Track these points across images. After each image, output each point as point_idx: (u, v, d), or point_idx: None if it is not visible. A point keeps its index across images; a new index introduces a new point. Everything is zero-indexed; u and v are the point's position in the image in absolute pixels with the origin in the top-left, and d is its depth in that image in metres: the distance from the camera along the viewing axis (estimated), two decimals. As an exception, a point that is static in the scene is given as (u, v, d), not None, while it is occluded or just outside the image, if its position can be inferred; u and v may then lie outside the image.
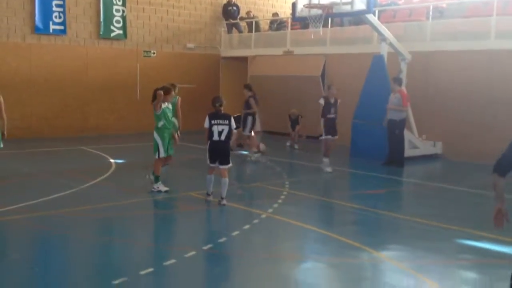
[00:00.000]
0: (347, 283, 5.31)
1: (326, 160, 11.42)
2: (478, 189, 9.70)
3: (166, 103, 9.06)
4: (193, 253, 5.96)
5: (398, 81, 12.58)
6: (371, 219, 7.76)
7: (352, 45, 15.92)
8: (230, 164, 8.13)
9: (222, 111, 8.07)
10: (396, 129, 12.27)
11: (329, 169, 11.26)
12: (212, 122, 8.00)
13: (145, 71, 18.12)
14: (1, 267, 5.56)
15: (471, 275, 5.64)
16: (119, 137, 16.51)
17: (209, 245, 6.23)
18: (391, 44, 13.09)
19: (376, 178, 10.85)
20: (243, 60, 19.52)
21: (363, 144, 13.19)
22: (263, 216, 7.62)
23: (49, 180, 9.93)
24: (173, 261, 5.69)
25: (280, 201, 8.54)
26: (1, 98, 9.82)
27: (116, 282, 5.07)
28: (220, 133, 7.96)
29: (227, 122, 7.98)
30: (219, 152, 8.03)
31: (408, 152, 13.08)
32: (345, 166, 12.45)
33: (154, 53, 18.47)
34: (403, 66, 13.55)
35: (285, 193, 9.15)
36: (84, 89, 16.96)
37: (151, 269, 5.45)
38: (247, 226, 7.06)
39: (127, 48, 17.89)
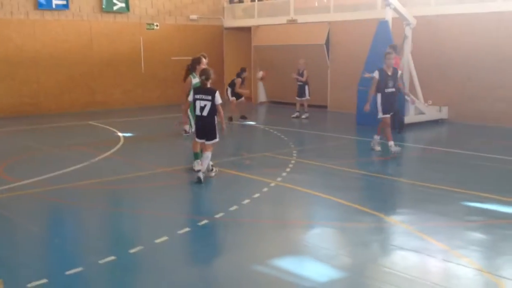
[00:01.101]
0: (356, 246, 5.44)
1: (377, 137, 10.19)
2: (483, 152, 9.79)
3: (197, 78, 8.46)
4: (205, 221, 6.11)
5: (394, 48, 12.57)
6: (379, 185, 7.88)
7: (356, 11, 15.81)
8: (216, 139, 7.83)
9: (209, 85, 7.66)
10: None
11: (395, 148, 9.78)
12: (196, 96, 7.67)
13: (148, 44, 18.11)
14: (22, 239, 5.73)
15: (478, 235, 5.77)
16: (126, 111, 16.63)
17: (221, 214, 6.37)
18: (395, 9, 13.00)
19: (382, 145, 10.90)
20: (247, 30, 19.43)
21: (370, 111, 13.17)
22: (272, 184, 7.75)
23: (60, 155, 10.08)
24: (187, 229, 5.85)
25: (288, 169, 8.66)
26: None
27: (133, 250, 5.23)
28: (202, 108, 7.61)
29: (209, 97, 7.57)
30: (203, 128, 7.75)
31: (414, 117, 13.14)
32: (351, 134, 12.53)
33: (157, 25, 18.41)
34: (408, 31, 13.48)
35: (293, 161, 9.26)
36: (89, 64, 17.00)
37: (166, 238, 5.60)
38: (257, 195, 7.19)
39: (130, 22, 17.83)
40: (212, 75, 7.74)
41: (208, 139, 7.79)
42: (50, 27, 16.13)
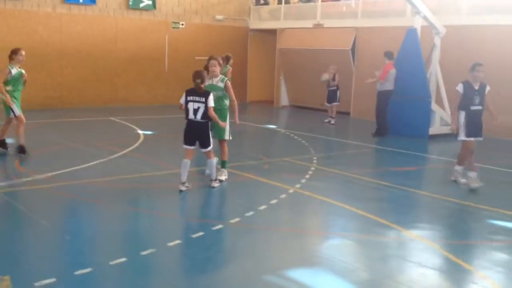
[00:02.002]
0: (374, 260, 5.24)
1: (459, 168, 8.43)
2: (510, 168, 9.47)
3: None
4: (220, 226, 5.97)
5: (388, 55, 12.99)
6: (400, 197, 7.64)
7: (384, 18, 15.55)
8: (211, 146, 7.37)
9: (203, 88, 7.22)
10: (381, 99, 12.91)
11: (475, 184, 7.96)
12: (188, 98, 7.18)
13: (173, 43, 18.08)
14: (33, 235, 5.65)
15: (504, 256, 5.50)
16: (147, 109, 16.61)
17: (237, 219, 6.22)
18: (425, 18, 12.73)
19: (406, 155, 10.67)
20: (272, 32, 19.29)
21: (394, 120, 12.98)
22: (291, 191, 7.57)
23: (78, 150, 10.05)
24: (201, 233, 5.70)
25: (308, 176, 8.48)
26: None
27: (145, 253, 5.11)
28: (195, 111, 7.13)
29: (203, 99, 7.09)
30: (196, 133, 7.26)
31: (439, 129, 12.86)
32: (373, 142, 12.29)
33: (183, 24, 18.38)
34: (437, 40, 13.21)
35: (313, 168, 9.07)
36: (113, 60, 17.02)
37: (179, 241, 5.47)
38: (274, 201, 7.02)
39: (156, 19, 17.84)
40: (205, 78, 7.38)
41: (202, 146, 7.34)
42: (76, 21, 16.20)
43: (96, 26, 16.56)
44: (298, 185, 7.86)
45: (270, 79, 19.85)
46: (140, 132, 12.21)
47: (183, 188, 7.29)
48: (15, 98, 9.25)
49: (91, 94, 16.71)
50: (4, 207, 6.58)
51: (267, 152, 10.95)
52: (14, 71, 9.19)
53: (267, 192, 7.58)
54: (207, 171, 7.89)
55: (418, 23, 12.83)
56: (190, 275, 4.88)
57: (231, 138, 8.06)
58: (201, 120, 7.16)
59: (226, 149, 7.99)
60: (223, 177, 7.92)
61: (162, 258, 5.14)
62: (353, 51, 16.36)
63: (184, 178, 7.31)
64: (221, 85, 7.71)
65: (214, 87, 7.63)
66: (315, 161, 9.65)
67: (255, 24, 20.03)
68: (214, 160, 7.50)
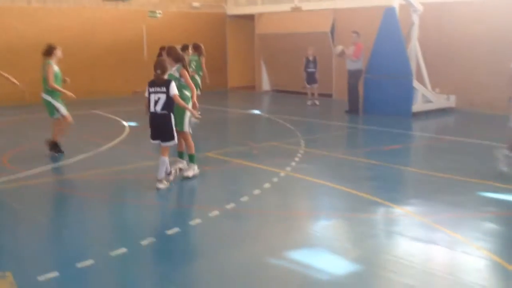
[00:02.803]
0: (371, 237, 5.34)
1: (508, 152, 7.64)
2: (495, 141, 9.65)
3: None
4: (216, 212, 6.00)
5: (358, 33, 13.43)
6: (390, 175, 7.76)
7: (362, -2, 15.60)
8: (174, 141, 6.86)
9: (165, 77, 6.75)
10: (352, 78, 13.29)
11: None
12: (150, 90, 6.74)
13: (151, 32, 17.91)
14: (31, 231, 5.62)
15: (496, 227, 5.65)
16: (127, 99, 16.45)
17: (232, 204, 6.26)
18: (402, -4, 12.82)
19: (391, 134, 10.80)
20: (250, 18, 19.22)
21: (376, 99, 13.10)
22: (282, 174, 7.63)
23: (64, 145, 9.93)
24: (198, 220, 5.74)
25: (297, 159, 8.54)
26: None
27: (145, 242, 5.13)
28: (156, 102, 6.66)
29: (164, 89, 6.63)
30: (157, 126, 6.76)
31: (421, 106, 13.02)
32: (358, 122, 12.42)
33: (160, 13, 18.19)
34: (415, 18, 13.31)
35: (301, 151, 9.14)
36: (91, 52, 16.81)
37: (177, 229, 5.50)
38: (267, 185, 7.07)
39: (132, 9, 17.63)
40: (168, 67, 6.91)
41: (163, 140, 6.80)
42: (51, 14, 15.94)
43: (72, 19, 16.31)
44: (288, 168, 7.92)
45: (250, 64, 19.83)
46: (125, 123, 12.13)
47: (160, 186, 6.85)
48: (57, 97, 8.75)
49: (69, 88, 16.32)
50: (-3, 205, 6.53)
51: (254, 137, 10.99)
52: (55, 67, 8.70)
53: (259, 176, 7.63)
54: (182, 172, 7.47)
55: (396, 2, 12.91)
56: (192, 261, 4.93)
57: (191, 132, 7.44)
58: (161, 112, 6.67)
59: (190, 141, 7.37)
60: (190, 173, 7.37)
61: (163, 246, 5.16)
62: (332, 33, 16.40)
63: (168, 169, 7.01)
64: (177, 74, 7.22)
65: (171, 77, 7.09)
66: (302, 144, 9.72)
67: (232, 10, 19.93)
68: (167, 158, 6.89)
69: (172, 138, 6.80)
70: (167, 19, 18.38)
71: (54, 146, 8.83)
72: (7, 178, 7.53)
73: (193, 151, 7.40)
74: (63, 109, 8.80)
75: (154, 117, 6.76)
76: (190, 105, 7.23)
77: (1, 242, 5.29)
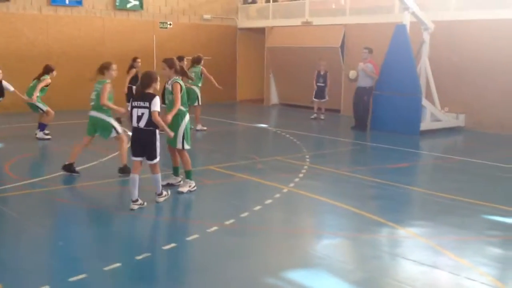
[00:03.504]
0: (372, 259, 5.19)
1: None
2: (504, 163, 9.49)
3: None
4: (215, 228, 5.88)
5: (371, 50, 13.34)
6: (395, 194, 7.61)
7: (373, 14, 15.54)
8: (157, 159, 6.49)
9: (147, 91, 6.36)
10: (365, 95, 13.19)
11: None
12: (133, 104, 6.34)
13: (161, 43, 17.93)
14: (26, 241, 5.53)
15: (501, 252, 5.49)
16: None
17: (231, 220, 6.14)
18: (413, 14, 12.73)
19: (398, 152, 10.65)
20: (261, 31, 19.21)
21: (385, 116, 12.98)
22: (285, 190, 7.51)
23: (68, 154, 9.89)
24: (196, 236, 5.62)
25: (301, 175, 8.42)
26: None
27: (140, 257, 5.02)
28: (139, 118, 6.26)
29: (147, 104, 6.23)
30: (140, 143, 6.38)
31: (430, 125, 12.88)
32: (365, 139, 12.28)
33: (170, 24, 18.24)
34: (426, 36, 13.22)
35: (306, 167, 9.02)
36: (101, 61, 16.67)
37: (174, 244, 5.39)
38: (269, 201, 6.95)
39: (143, 19, 17.69)
40: (156, 79, 6.45)
41: (148, 158, 6.44)
42: (62, 23, 16.02)
43: (83, 28, 16.38)
44: (292, 184, 7.80)
45: (260, 77, 19.78)
46: (130, 133, 12.04)
47: (134, 207, 6.40)
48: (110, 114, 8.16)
49: (79, 96, 16.47)
50: (-6, 214, 6.45)
51: (259, 151, 10.87)
52: (109, 86, 8.30)
53: (261, 192, 7.52)
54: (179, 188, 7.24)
55: (407, 19, 12.82)
56: (187, 278, 4.80)
57: (187, 147, 7.18)
58: (145, 128, 6.30)
59: (186, 157, 7.18)
60: (185, 189, 7.20)
61: (158, 262, 5.06)
62: (342, 48, 16.33)
63: (135, 195, 6.44)
64: (170, 88, 6.99)
65: (166, 91, 7.12)
66: (307, 160, 9.59)
67: (243, 23, 19.95)
68: (159, 175, 6.64)
69: (156, 156, 6.44)
70: (178, 30, 18.42)
71: (123, 169, 8.11)
72: (8, 186, 7.47)
73: (189, 167, 7.24)
74: (118, 126, 8.24)
75: (137, 133, 6.37)
76: (186, 119, 7.05)
77: (-5, 252, 5.21)
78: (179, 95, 6.91)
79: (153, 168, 6.56)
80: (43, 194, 7.27)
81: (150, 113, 6.25)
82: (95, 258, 5.06)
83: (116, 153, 9.76)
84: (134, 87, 12.75)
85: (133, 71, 13.24)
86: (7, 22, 15.11)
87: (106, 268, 4.73)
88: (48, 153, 10.26)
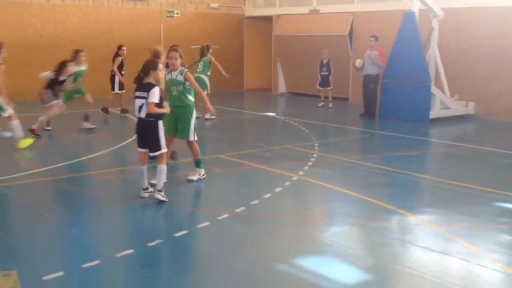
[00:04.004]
0: (382, 246, 5.20)
1: None
2: (513, 151, 9.45)
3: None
4: (226, 215, 5.91)
5: (377, 38, 13.36)
6: (405, 182, 7.60)
7: (381, 2, 15.43)
8: (162, 150, 6.27)
9: (146, 80, 6.16)
10: (371, 83, 13.19)
11: None
12: (135, 94, 6.21)
13: (168, 32, 17.90)
14: (38, 229, 5.58)
15: (511, 238, 5.48)
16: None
17: (242, 208, 6.17)
18: (422, 1, 12.62)
19: (407, 140, 10.62)
20: (268, 19, 19.13)
21: (393, 104, 12.93)
22: (294, 178, 7.52)
23: (78, 142, 9.97)
24: (206, 223, 5.65)
25: (310, 163, 8.43)
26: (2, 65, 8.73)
27: (151, 244, 5.06)
28: (140, 108, 6.13)
29: (145, 94, 6.06)
30: (142, 134, 6.25)
31: (439, 112, 12.82)
32: (374, 127, 12.25)
33: (177, 13, 18.20)
34: (435, 24, 13.11)
35: (315, 155, 9.02)
36: (109, 51, 16.78)
37: (185, 232, 5.43)
38: (279, 189, 6.97)
39: (150, 8, 17.66)
40: (156, 68, 6.15)
41: (151, 150, 6.24)
42: (70, 12, 16.03)
43: (90, 17, 16.38)
44: (301, 172, 7.81)
45: (267, 66, 19.74)
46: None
47: (145, 195, 6.40)
48: None
49: (87, 86, 16.49)
50: (7, 201, 6.51)
51: (268, 140, 10.87)
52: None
53: (270, 180, 7.54)
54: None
55: (415, 7, 12.72)
56: (198, 265, 4.84)
57: (196, 139, 7.11)
58: (146, 119, 6.15)
59: (195, 148, 7.09)
60: (195, 177, 7.19)
61: (170, 248, 5.10)
62: (350, 36, 16.24)
63: (144, 183, 6.42)
64: (181, 78, 6.81)
65: (174, 82, 6.86)
66: (316, 148, 9.60)
67: (250, 11, 19.87)
68: (164, 166, 6.38)
69: (160, 147, 6.23)
70: (185, 19, 18.38)
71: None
72: (20, 175, 7.53)
73: (199, 156, 7.21)
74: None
75: (139, 123, 6.24)
76: (194, 110, 7.05)
77: (10, 240, 5.26)
78: (195, 82, 6.94)
79: (160, 158, 6.32)
80: (54, 182, 7.32)
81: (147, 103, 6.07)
82: (107, 245, 5.10)
83: (126, 142, 9.82)
84: (116, 75, 13.09)
85: (119, 59, 13.24)
86: (14, 11, 15.13)
87: (119, 255, 4.77)
88: (57, 141, 10.31)
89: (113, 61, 13.36)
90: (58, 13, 15.81)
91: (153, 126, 6.16)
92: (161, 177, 6.33)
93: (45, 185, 7.24)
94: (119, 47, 13.45)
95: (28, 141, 9.16)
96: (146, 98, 6.06)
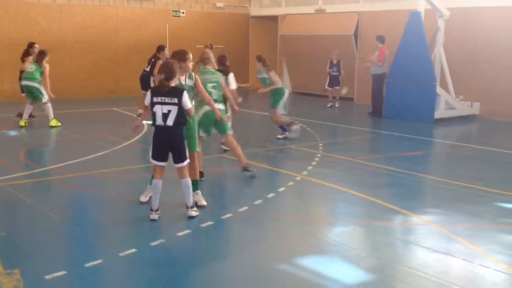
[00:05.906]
0: (385, 246, 5.19)
1: None
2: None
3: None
4: (229, 215, 5.92)
5: (380, 39, 13.43)
6: (409, 182, 7.58)
7: (387, 1, 15.41)
8: (188, 161, 5.77)
9: (171, 85, 5.55)
10: (374, 83, 13.36)
11: None
12: (154, 99, 5.51)
13: (174, 32, 17.94)
14: (42, 228, 5.60)
15: (515, 240, 5.47)
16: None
17: (245, 207, 6.17)
18: (428, 0, 12.58)
19: (412, 140, 10.60)
20: (273, 19, 19.13)
21: (399, 104, 12.90)
22: (298, 178, 7.52)
23: (82, 142, 9.99)
24: (210, 223, 5.66)
25: (314, 163, 8.42)
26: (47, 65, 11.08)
27: (154, 243, 5.07)
28: (165, 115, 5.49)
29: (175, 100, 5.48)
30: (167, 143, 5.64)
31: (444, 113, 12.79)
32: (378, 127, 12.22)
33: (183, 12, 18.23)
34: (441, 23, 13.08)
35: (319, 155, 9.01)
36: (114, 50, 16.91)
37: (188, 231, 5.44)
38: (282, 189, 6.97)
39: (156, 8, 17.69)
40: (176, 70, 5.60)
41: (176, 160, 5.68)
42: (76, 11, 16.09)
43: (96, 16, 16.45)
44: (305, 172, 7.80)
45: (273, 66, 19.66)
46: (144, 122, 12.09)
47: (155, 217, 5.73)
48: None
49: (92, 85, 16.61)
50: (11, 200, 6.54)
51: (272, 139, 10.86)
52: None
53: (274, 179, 7.54)
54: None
55: (421, 6, 12.69)
56: (201, 264, 4.84)
57: (198, 150, 6.41)
58: (174, 126, 5.58)
59: (196, 163, 6.27)
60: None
61: (172, 248, 5.11)
62: (355, 36, 16.22)
63: (156, 204, 5.76)
64: (191, 83, 6.07)
65: (180, 87, 5.87)
66: (321, 148, 9.59)
67: (256, 11, 19.87)
68: (189, 180, 5.82)
69: (186, 157, 5.74)
70: (191, 18, 18.41)
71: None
72: (24, 174, 7.57)
73: (197, 176, 6.37)
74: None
75: (164, 131, 5.59)
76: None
77: (14, 239, 5.28)
78: (203, 88, 6.29)
79: (182, 171, 5.76)
80: (58, 181, 7.35)
81: (179, 110, 5.51)
82: (110, 244, 5.12)
83: (130, 141, 9.85)
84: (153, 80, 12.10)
85: (159, 63, 12.96)
86: (21, 11, 15.22)
87: (122, 254, 4.78)
88: (62, 141, 10.35)
89: (154, 64, 12.24)
90: (64, 13, 15.88)
91: (180, 134, 5.68)
92: (189, 192, 5.83)
93: (49, 184, 7.26)
94: (161, 49, 12.53)
95: (56, 123, 11.24)
96: (176, 104, 5.49)
